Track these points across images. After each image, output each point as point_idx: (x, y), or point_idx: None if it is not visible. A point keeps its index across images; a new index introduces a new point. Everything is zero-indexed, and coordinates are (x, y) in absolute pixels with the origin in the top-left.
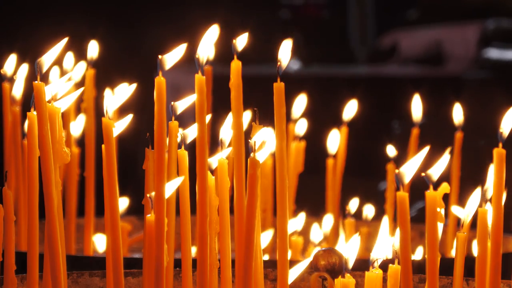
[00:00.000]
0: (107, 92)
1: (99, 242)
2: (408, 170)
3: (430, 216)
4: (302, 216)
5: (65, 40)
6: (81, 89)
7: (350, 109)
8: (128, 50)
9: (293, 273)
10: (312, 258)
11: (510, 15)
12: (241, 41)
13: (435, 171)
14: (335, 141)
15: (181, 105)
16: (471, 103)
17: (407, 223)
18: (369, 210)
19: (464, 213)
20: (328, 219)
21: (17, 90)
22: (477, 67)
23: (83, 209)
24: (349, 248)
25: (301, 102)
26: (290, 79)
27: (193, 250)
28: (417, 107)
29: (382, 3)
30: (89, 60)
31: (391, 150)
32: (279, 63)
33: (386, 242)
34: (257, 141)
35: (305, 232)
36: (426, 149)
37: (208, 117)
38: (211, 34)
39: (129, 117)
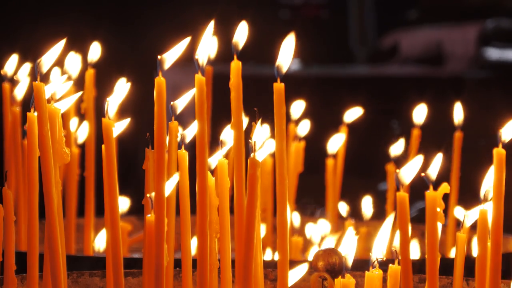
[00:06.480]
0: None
1: (99, 241)
2: (408, 171)
3: (430, 216)
4: (300, 216)
5: (63, 41)
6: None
7: (353, 114)
8: (128, 49)
9: (293, 275)
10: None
11: (510, 15)
12: (241, 41)
13: (433, 170)
14: (336, 141)
15: (180, 103)
16: (471, 103)
17: (407, 223)
18: (368, 210)
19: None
20: (328, 220)
21: (20, 91)
22: (477, 67)
23: (83, 209)
24: (346, 247)
25: (301, 103)
26: (290, 79)
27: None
28: (420, 110)
29: (382, 3)
30: (90, 61)
31: (393, 150)
32: (277, 64)
33: (386, 242)
34: (257, 141)
35: (304, 232)
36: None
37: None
38: (210, 37)
39: (128, 120)
